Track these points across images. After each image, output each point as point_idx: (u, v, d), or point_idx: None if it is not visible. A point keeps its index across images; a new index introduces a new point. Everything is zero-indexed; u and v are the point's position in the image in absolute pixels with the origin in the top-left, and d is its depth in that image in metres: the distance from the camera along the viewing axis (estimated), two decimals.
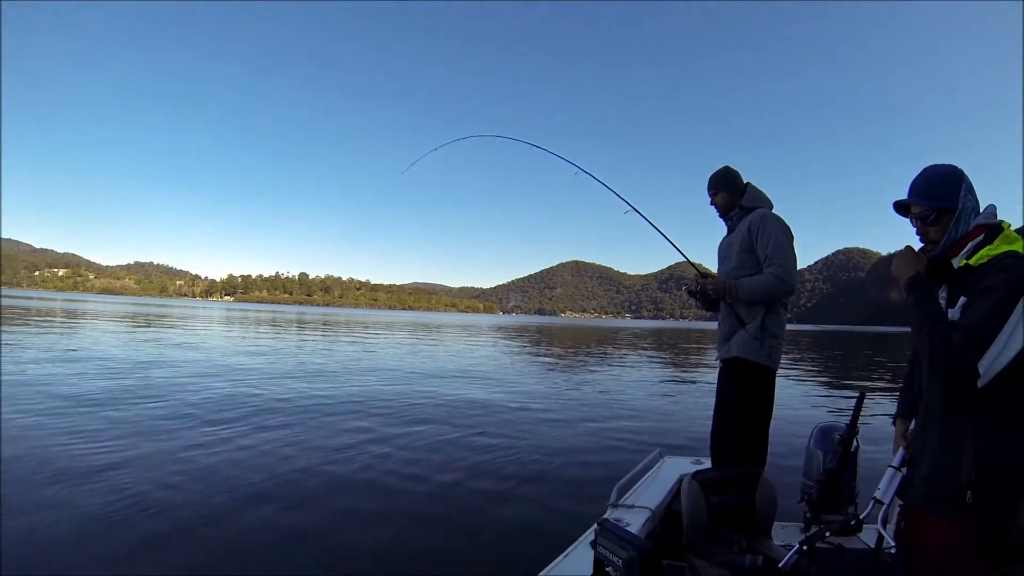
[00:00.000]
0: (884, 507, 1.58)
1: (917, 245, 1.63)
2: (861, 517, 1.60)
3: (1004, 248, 1.39)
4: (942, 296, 1.52)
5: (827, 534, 1.58)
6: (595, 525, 1.83)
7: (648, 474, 2.89)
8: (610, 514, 2.28)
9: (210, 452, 5.04)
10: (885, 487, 1.61)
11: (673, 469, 3.00)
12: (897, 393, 1.88)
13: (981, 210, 1.50)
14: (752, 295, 2.59)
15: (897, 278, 1.57)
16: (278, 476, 4.45)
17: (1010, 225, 1.46)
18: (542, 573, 1.87)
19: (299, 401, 7.96)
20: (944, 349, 1.33)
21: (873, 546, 1.71)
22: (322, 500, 3.96)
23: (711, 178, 2.86)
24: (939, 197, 1.50)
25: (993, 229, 1.45)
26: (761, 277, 2.56)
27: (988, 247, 1.41)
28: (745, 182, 2.84)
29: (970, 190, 1.49)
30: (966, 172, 1.53)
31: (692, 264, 2.99)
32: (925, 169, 1.57)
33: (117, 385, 8.50)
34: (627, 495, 2.56)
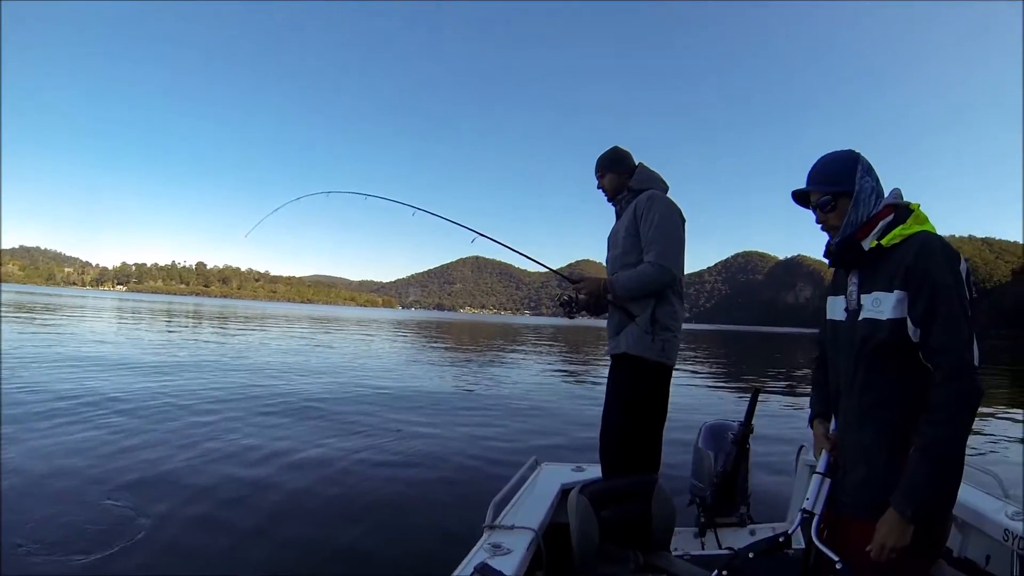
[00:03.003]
0: (816, 518, 1.43)
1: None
2: (789, 532, 1.44)
3: (917, 228, 1.38)
4: (853, 281, 1.47)
5: (750, 555, 1.42)
6: (472, 571, 1.56)
7: (525, 486, 2.57)
8: (487, 538, 1.95)
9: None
10: (814, 496, 1.45)
11: (552, 478, 2.71)
12: (796, 390, 1.74)
13: (885, 193, 1.48)
14: (629, 290, 2.36)
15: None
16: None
17: (919, 206, 1.44)
18: None
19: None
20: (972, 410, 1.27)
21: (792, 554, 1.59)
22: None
23: (598, 159, 2.63)
24: (835, 181, 1.47)
25: (902, 209, 1.43)
26: (639, 268, 2.34)
27: (901, 226, 1.39)
28: (636, 163, 2.61)
29: (868, 171, 1.46)
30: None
31: (556, 273, 2.78)
32: (821, 157, 1.53)
33: None
34: (505, 513, 2.23)
